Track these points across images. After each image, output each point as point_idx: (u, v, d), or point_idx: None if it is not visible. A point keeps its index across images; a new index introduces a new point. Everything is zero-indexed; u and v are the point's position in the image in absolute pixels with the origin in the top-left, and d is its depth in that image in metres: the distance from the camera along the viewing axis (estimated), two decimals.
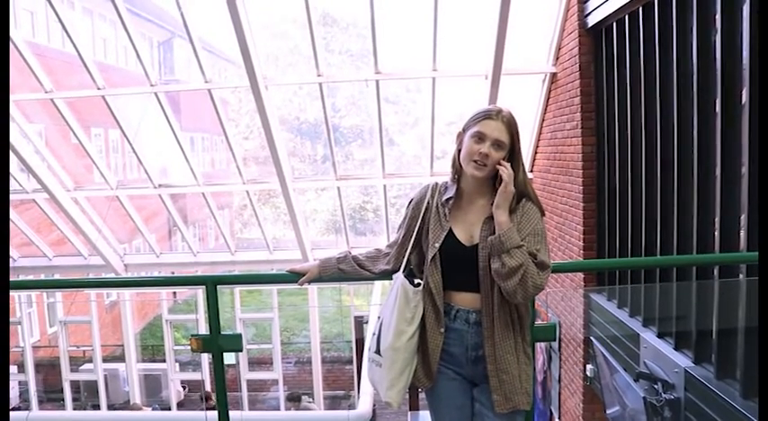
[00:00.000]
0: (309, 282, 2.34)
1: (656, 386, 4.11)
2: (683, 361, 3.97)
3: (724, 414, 3.37)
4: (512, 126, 2.08)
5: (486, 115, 2.08)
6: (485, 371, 2.15)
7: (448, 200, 2.18)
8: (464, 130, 2.13)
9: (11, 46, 6.79)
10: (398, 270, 2.24)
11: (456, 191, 2.18)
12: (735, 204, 3.57)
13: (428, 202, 2.22)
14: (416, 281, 2.20)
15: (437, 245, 2.14)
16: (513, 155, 2.09)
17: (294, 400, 9.63)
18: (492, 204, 2.08)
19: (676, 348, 4.16)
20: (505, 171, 2.04)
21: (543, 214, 2.16)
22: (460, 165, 2.14)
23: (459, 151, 2.14)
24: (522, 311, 2.15)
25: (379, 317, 2.26)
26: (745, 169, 3.42)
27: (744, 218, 3.46)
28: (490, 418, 2.16)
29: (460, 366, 2.19)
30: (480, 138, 2.06)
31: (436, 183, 2.26)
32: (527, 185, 2.13)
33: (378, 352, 2.21)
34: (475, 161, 2.06)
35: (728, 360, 3.55)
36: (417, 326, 2.17)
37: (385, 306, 2.24)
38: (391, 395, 2.19)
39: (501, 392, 2.12)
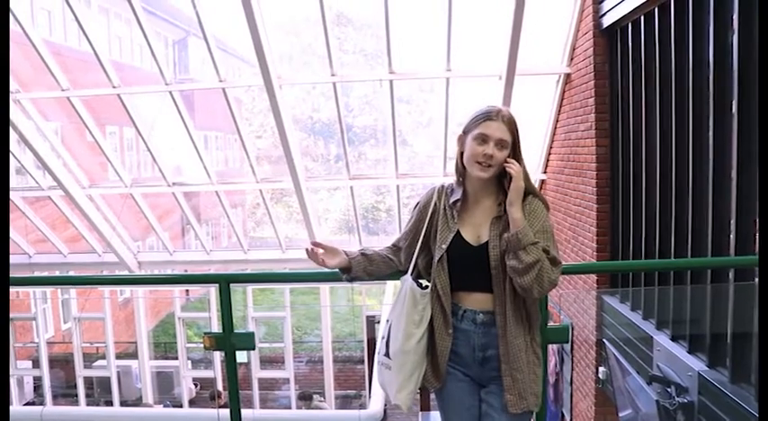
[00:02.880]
0: (331, 268, 2.26)
1: (669, 389, 4.08)
2: (696, 364, 3.94)
3: (738, 418, 3.34)
4: (512, 124, 2.09)
5: (486, 116, 2.08)
6: (492, 373, 2.15)
7: (455, 202, 2.18)
8: (465, 133, 2.14)
9: (29, 44, 6.85)
10: (407, 272, 2.24)
11: (462, 193, 2.19)
12: (751, 206, 3.54)
13: (435, 204, 2.22)
14: (424, 283, 2.22)
15: (444, 246, 2.14)
16: (515, 152, 2.10)
17: (305, 399, 9.66)
18: (498, 204, 2.10)
19: (690, 351, 4.13)
20: (513, 167, 2.05)
21: (548, 208, 2.17)
22: (464, 168, 2.14)
23: (462, 154, 2.14)
24: (531, 311, 2.14)
25: (387, 321, 2.27)
26: None
27: None
28: (496, 419, 2.16)
29: (468, 367, 2.19)
30: (483, 139, 2.06)
31: (442, 186, 2.27)
32: (529, 182, 2.13)
33: (387, 355, 2.22)
34: (479, 163, 2.07)
35: (743, 364, 3.52)
36: (426, 328, 2.18)
37: (393, 309, 2.24)
38: (401, 398, 2.20)
39: (515, 391, 2.11)
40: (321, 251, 2.24)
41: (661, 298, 4.73)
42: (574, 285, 6.55)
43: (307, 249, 2.24)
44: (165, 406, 11.00)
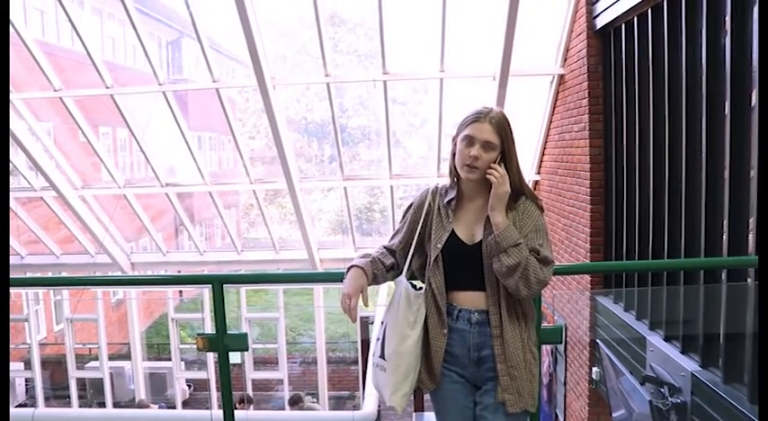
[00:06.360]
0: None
1: (662, 390, 4.09)
2: (689, 364, 3.95)
3: (731, 418, 3.35)
4: (500, 126, 2.07)
5: (474, 118, 2.08)
6: (487, 373, 2.14)
7: (450, 201, 2.19)
8: (457, 134, 2.14)
9: (21, 45, 6.82)
10: (401, 273, 2.24)
11: (456, 193, 2.19)
12: (743, 207, 3.56)
13: (429, 205, 2.22)
14: (418, 285, 2.22)
15: (439, 245, 2.14)
16: (506, 154, 2.09)
17: (295, 403, 9.55)
18: None
19: (683, 352, 4.14)
20: (494, 173, 2.04)
21: (542, 210, 2.17)
22: (457, 170, 2.14)
23: (455, 155, 2.14)
24: (526, 308, 2.15)
25: (382, 322, 2.26)
26: (754, 172, 3.40)
27: (752, 221, 3.45)
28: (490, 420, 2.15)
29: (463, 367, 2.18)
30: (470, 141, 2.07)
31: (436, 187, 2.27)
32: (522, 183, 2.13)
33: (382, 356, 2.20)
34: (467, 165, 2.07)
35: (736, 364, 3.53)
36: (420, 329, 2.17)
37: (388, 311, 2.23)
38: (395, 399, 2.18)
39: (513, 390, 2.10)
40: (354, 302, 2.10)
41: (654, 298, 4.75)
42: (567, 286, 6.56)
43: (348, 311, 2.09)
44: (160, 407, 10.96)
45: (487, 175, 2.05)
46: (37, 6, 10.60)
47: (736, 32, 3.55)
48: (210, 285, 2.58)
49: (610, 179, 5.73)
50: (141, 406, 9.68)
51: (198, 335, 2.66)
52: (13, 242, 9.72)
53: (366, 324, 10.39)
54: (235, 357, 9.61)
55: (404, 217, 2.30)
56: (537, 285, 2.02)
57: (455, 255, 2.14)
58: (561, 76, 6.66)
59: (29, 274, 10.13)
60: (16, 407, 10.97)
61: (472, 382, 2.20)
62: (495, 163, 2.06)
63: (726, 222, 3.70)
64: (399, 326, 2.16)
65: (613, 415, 5.04)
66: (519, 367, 2.10)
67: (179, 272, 10.19)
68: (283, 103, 7.54)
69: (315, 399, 10.40)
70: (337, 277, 2.25)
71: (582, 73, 5.96)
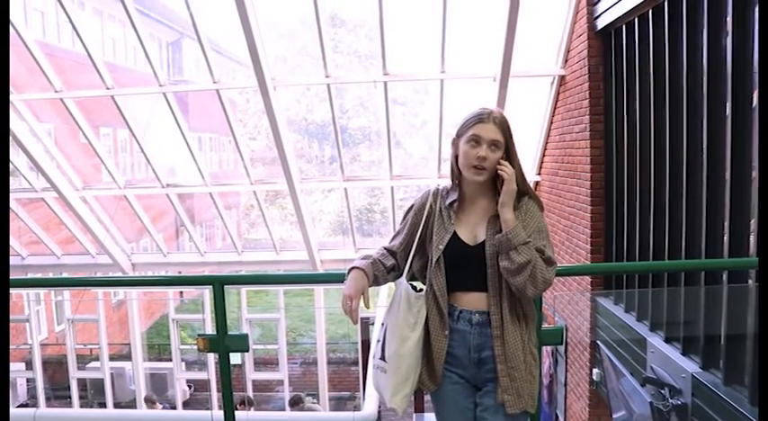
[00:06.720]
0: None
1: (662, 391, 4.09)
2: (690, 366, 3.95)
3: (732, 420, 3.35)
4: (504, 126, 2.09)
5: (478, 119, 2.09)
6: (488, 374, 2.14)
7: (452, 203, 2.19)
8: (458, 136, 2.14)
9: (22, 46, 6.82)
10: (402, 275, 2.24)
11: (458, 194, 2.19)
12: (745, 208, 3.55)
13: (430, 207, 2.22)
14: (418, 286, 2.22)
15: (441, 247, 2.14)
16: (509, 154, 2.10)
17: (296, 404, 9.56)
18: (495, 203, 2.10)
19: (684, 353, 4.14)
20: (506, 170, 2.05)
21: (543, 209, 2.17)
22: (459, 171, 2.15)
23: (456, 157, 2.15)
24: (527, 309, 2.15)
25: (383, 324, 2.26)
26: (755, 173, 3.40)
27: (754, 222, 3.44)
28: None
29: (464, 368, 2.18)
30: (476, 141, 2.07)
31: (437, 188, 2.26)
32: (525, 183, 2.14)
33: (383, 358, 2.21)
34: (474, 166, 2.07)
35: (737, 366, 3.52)
36: (421, 331, 2.17)
37: (388, 312, 2.23)
38: (396, 401, 2.18)
39: (512, 391, 2.10)
40: (355, 304, 2.12)
41: (655, 300, 4.75)
42: (568, 287, 6.56)
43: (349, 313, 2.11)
44: (164, 407, 10.96)
45: (499, 172, 2.06)
46: (37, 7, 10.59)
47: (736, 33, 3.54)
48: (211, 286, 2.58)
49: (610, 180, 5.73)
50: (148, 400, 9.71)
51: (198, 335, 2.66)
52: (13, 243, 9.73)
53: (367, 325, 10.39)
54: (235, 358, 9.62)
55: (404, 218, 2.30)
56: (543, 284, 2.03)
57: (457, 256, 2.14)
58: (562, 77, 6.65)
59: (30, 275, 10.13)
60: (18, 407, 10.98)
61: (473, 383, 2.20)
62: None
63: (727, 223, 3.70)
64: (400, 327, 2.16)
65: (614, 416, 5.03)
66: (519, 368, 2.10)
67: (180, 272, 10.18)
68: (284, 104, 7.54)
69: (315, 400, 10.41)
70: (338, 278, 2.25)
71: (583, 74, 5.95)
